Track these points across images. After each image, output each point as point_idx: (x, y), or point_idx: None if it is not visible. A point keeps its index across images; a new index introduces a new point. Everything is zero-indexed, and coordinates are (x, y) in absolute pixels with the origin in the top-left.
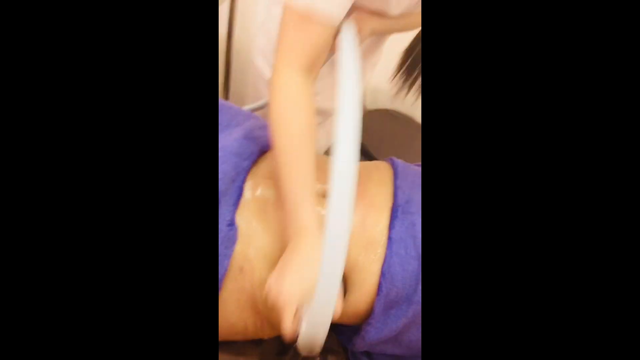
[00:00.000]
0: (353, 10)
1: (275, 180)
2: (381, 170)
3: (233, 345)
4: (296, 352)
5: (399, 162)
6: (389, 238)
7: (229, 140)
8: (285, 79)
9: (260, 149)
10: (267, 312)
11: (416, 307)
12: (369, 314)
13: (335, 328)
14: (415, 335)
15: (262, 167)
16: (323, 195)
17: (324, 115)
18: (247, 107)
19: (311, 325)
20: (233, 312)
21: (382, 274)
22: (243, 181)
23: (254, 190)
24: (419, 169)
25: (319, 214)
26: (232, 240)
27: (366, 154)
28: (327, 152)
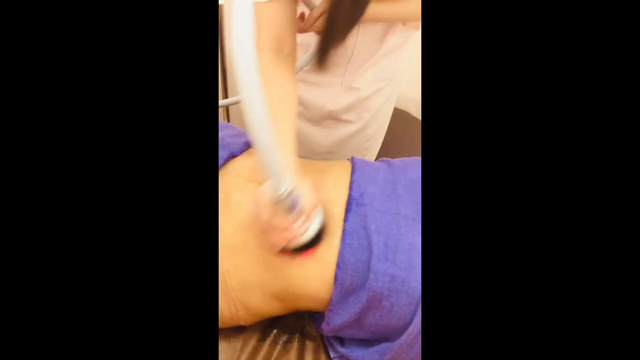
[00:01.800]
0: None
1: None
2: (340, 167)
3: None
4: (275, 339)
5: (358, 159)
6: (343, 230)
7: None
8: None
9: (229, 154)
10: (239, 297)
11: (369, 293)
12: (330, 300)
13: (312, 316)
14: (373, 318)
15: (230, 167)
16: None
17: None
18: (221, 102)
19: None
20: None
21: (338, 265)
22: None
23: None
24: (378, 164)
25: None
26: None
27: None
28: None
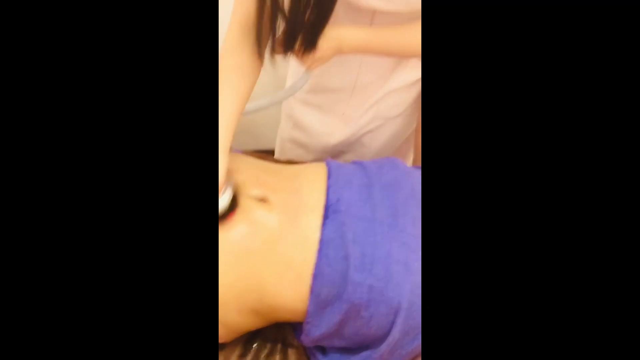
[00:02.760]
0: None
1: None
2: (316, 170)
3: None
4: (257, 354)
5: (334, 162)
6: (320, 239)
7: None
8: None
9: None
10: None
11: (347, 305)
12: (306, 313)
13: (294, 326)
14: (352, 327)
15: None
16: (260, 200)
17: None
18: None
19: None
20: None
21: (314, 276)
22: None
23: None
24: (352, 167)
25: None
26: None
27: None
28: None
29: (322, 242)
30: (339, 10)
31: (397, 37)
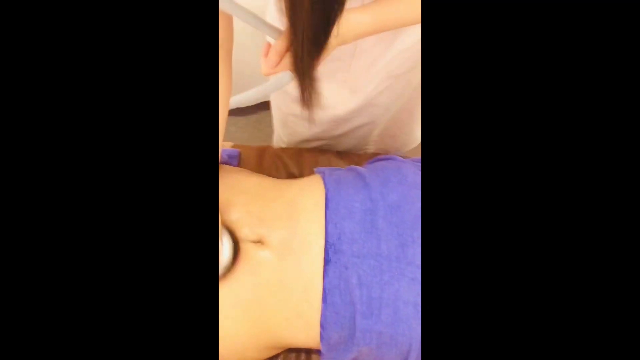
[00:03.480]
0: None
1: None
2: (313, 194)
3: None
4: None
5: (330, 181)
6: (323, 288)
7: None
8: None
9: None
10: (236, 357)
11: (357, 348)
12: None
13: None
14: (369, 358)
15: None
16: (256, 242)
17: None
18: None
19: None
20: None
21: (322, 325)
22: None
23: None
24: (353, 183)
25: None
26: None
27: None
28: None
29: (326, 290)
30: None
31: (397, 11)
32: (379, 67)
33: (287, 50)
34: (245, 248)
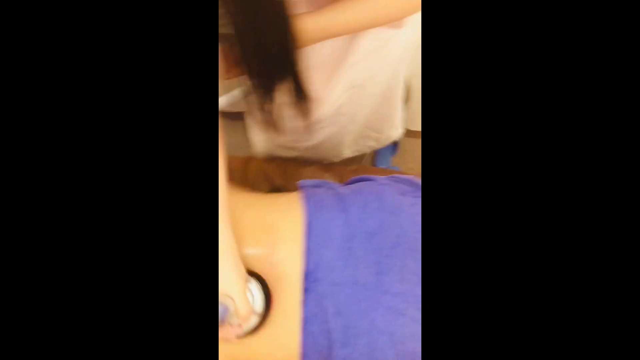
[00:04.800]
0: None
1: None
2: (293, 217)
3: None
4: None
5: (310, 201)
6: (303, 317)
7: None
8: None
9: None
10: None
11: None
12: None
13: None
14: None
15: None
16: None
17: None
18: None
19: None
20: None
21: (303, 355)
22: None
23: None
24: (332, 206)
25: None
26: None
27: None
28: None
29: (306, 320)
30: None
31: (352, 15)
32: (338, 78)
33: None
34: None
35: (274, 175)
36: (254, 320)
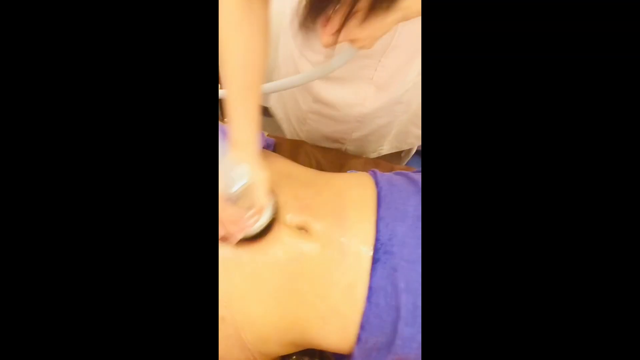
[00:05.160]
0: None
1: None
2: (364, 189)
3: None
4: None
5: (382, 179)
6: (370, 287)
7: None
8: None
9: None
10: (256, 348)
11: (394, 356)
12: (351, 355)
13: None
14: None
15: None
16: (300, 228)
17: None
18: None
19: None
20: (224, 357)
21: (362, 326)
22: None
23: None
24: (405, 188)
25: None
26: None
27: None
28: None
29: (372, 290)
30: None
31: None
32: (412, 65)
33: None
34: (287, 232)
35: (324, 162)
36: (257, 225)
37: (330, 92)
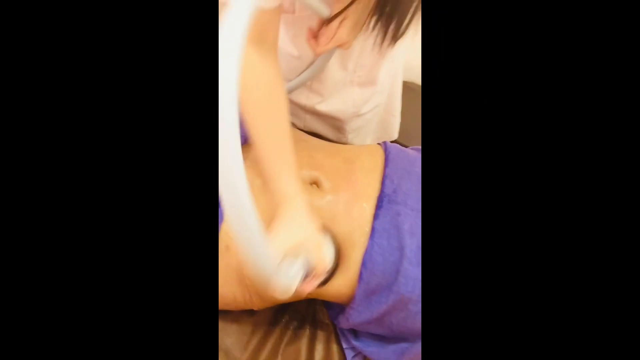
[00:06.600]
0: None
1: (255, 160)
2: (373, 156)
3: (227, 313)
4: (287, 325)
5: (392, 147)
6: (373, 228)
7: None
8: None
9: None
10: (255, 287)
11: (396, 296)
12: (352, 297)
13: (326, 303)
14: (396, 318)
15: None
16: (312, 183)
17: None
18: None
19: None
20: (221, 286)
21: (363, 264)
22: None
23: None
24: (415, 154)
25: (301, 187)
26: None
27: None
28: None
29: (375, 231)
30: None
31: None
32: (385, 60)
33: (341, 23)
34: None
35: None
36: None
37: (323, 107)
